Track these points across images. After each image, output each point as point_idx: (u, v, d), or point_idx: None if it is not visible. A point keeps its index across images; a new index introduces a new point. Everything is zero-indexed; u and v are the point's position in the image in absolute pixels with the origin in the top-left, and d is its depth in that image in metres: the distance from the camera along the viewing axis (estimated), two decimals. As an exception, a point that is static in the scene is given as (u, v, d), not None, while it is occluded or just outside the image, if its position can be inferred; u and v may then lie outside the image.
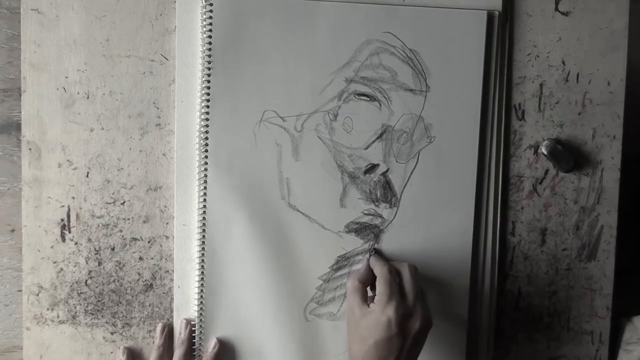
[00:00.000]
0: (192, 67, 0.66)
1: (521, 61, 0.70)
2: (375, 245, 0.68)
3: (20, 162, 0.67)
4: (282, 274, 0.67)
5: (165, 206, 0.68)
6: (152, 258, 0.68)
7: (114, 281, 0.68)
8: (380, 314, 0.58)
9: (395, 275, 0.61)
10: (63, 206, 0.67)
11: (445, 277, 0.69)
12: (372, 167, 0.68)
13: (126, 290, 0.68)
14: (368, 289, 0.64)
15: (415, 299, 0.61)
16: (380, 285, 0.60)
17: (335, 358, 0.69)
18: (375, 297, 0.60)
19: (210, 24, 0.65)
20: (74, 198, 0.67)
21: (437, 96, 0.67)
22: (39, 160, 0.67)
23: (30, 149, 0.66)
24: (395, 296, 0.59)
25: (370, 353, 0.58)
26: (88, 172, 0.67)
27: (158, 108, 0.67)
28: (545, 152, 0.70)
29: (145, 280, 0.68)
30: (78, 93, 0.66)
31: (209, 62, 0.65)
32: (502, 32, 0.69)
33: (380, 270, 0.62)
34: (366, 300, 0.62)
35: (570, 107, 0.70)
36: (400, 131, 0.67)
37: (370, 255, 0.67)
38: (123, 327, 0.69)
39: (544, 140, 0.70)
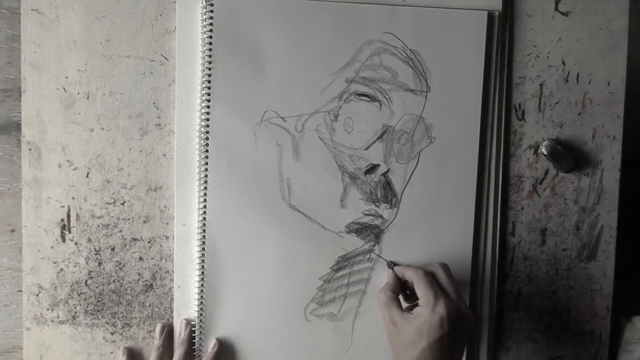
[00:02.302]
0: (192, 67, 0.66)
1: (521, 61, 0.70)
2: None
3: (20, 162, 0.67)
4: (283, 274, 0.67)
5: (165, 206, 0.68)
6: (152, 258, 0.68)
7: (114, 281, 0.68)
8: (430, 314, 0.58)
9: (431, 276, 0.62)
10: (63, 206, 0.67)
11: (446, 277, 0.69)
12: (372, 168, 0.68)
13: (126, 290, 0.68)
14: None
15: (458, 296, 0.61)
16: (422, 288, 0.60)
17: (335, 358, 0.69)
18: (420, 300, 0.60)
19: (211, 24, 0.65)
20: (74, 198, 0.67)
21: (438, 97, 0.67)
22: (39, 160, 0.67)
23: (30, 149, 0.66)
24: (441, 294, 0.59)
25: (425, 356, 0.57)
26: (88, 173, 0.67)
27: (158, 108, 0.67)
28: (545, 152, 0.70)
29: (145, 280, 0.68)
30: (78, 93, 0.66)
31: (209, 62, 0.65)
32: (502, 32, 0.69)
33: (415, 274, 0.62)
34: (401, 308, 0.62)
35: (570, 107, 0.71)
36: (401, 131, 0.67)
37: (391, 267, 0.67)
38: (123, 327, 0.69)
39: (544, 141, 0.70)
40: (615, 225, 0.72)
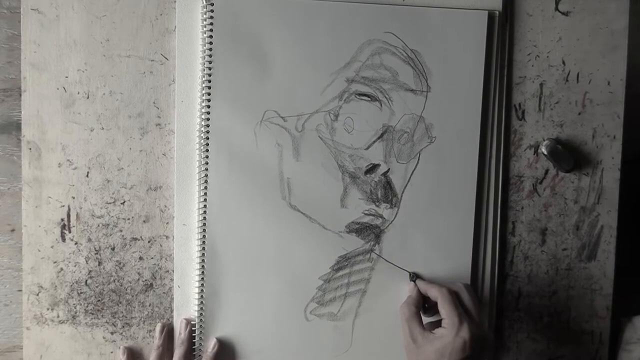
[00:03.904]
0: (192, 67, 0.66)
1: (521, 61, 0.70)
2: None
3: (20, 162, 0.67)
4: (283, 274, 0.67)
5: (165, 206, 0.68)
6: (152, 258, 0.68)
7: (114, 281, 0.68)
8: (454, 337, 0.58)
9: (455, 297, 0.61)
10: (63, 206, 0.67)
11: (446, 277, 0.69)
12: (372, 167, 0.68)
13: (126, 290, 0.68)
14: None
15: (480, 319, 0.61)
16: (446, 308, 0.60)
17: (335, 358, 0.69)
18: (444, 321, 0.60)
19: (211, 23, 0.65)
20: (74, 198, 0.67)
21: (438, 96, 0.67)
22: (39, 160, 0.66)
23: (30, 149, 0.66)
24: (465, 317, 0.59)
25: None
26: (88, 172, 0.67)
27: (158, 108, 0.67)
28: (545, 152, 0.70)
29: (145, 280, 0.68)
30: (78, 93, 0.66)
31: (210, 62, 0.65)
32: (502, 32, 0.69)
33: (439, 292, 0.62)
34: (423, 325, 0.62)
35: (570, 107, 0.71)
36: (401, 131, 0.67)
37: (414, 280, 0.67)
38: (123, 327, 0.69)
39: (544, 140, 0.70)
40: (615, 225, 0.72)
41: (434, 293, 0.63)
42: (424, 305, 0.66)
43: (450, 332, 0.58)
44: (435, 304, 0.62)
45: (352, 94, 0.67)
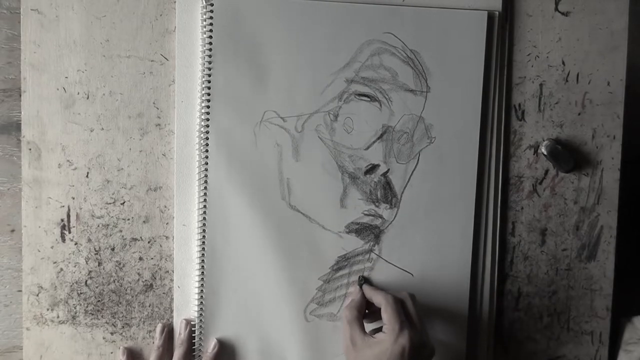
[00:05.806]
0: (192, 67, 0.66)
1: (521, 61, 0.70)
2: (365, 273, 0.68)
3: (20, 162, 0.67)
4: (283, 274, 0.67)
5: (165, 206, 0.68)
6: (152, 258, 0.68)
7: (114, 281, 0.68)
8: (392, 343, 0.58)
9: (400, 305, 0.61)
10: (63, 206, 0.67)
11: (445, 277, 0.69)
12: (372, 168, 0.68)
13: (126, 290, 0.68)
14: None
15: (422, 328, 0.61)
16: (389, 314, 0.60)
17: (335, 358, 0.69)
18: (385, 327, 0.60)
19: (211, 24, 0.65)
20: (73, 198, 0.67)
21: (438, 97, 0.67)
22: (39, 160, 0.67)
23: (30, 149, 0.66)
24: (406, 325, 0.59)
25: None
26: (88, 173, 0.67)
27: (158, 108, 0.67)
28: (545, 152, 0.70)
29: (145, 280, 0.68)
30: (78, 93, 0.66)
31: (209, 62, 0.65)
32: (502, 32, 0.69)
33: (384, 299, 0.61)
34: (364, 329, 0.62)
35: (570, 107, 0.71)
36: (401, 132, 0.67)
37: (361, 284, 0.67)
38: (123, 327, 0.69)
39: (543, 141, 0.70)
40: (615, 225, 0.72)
41: (378, 299, 0.62)
42: (366, 310, 0.65)
43: (390, 338, 0.58)
44: (378, 310, 0.62)
45: (352, 95, 0.67)
